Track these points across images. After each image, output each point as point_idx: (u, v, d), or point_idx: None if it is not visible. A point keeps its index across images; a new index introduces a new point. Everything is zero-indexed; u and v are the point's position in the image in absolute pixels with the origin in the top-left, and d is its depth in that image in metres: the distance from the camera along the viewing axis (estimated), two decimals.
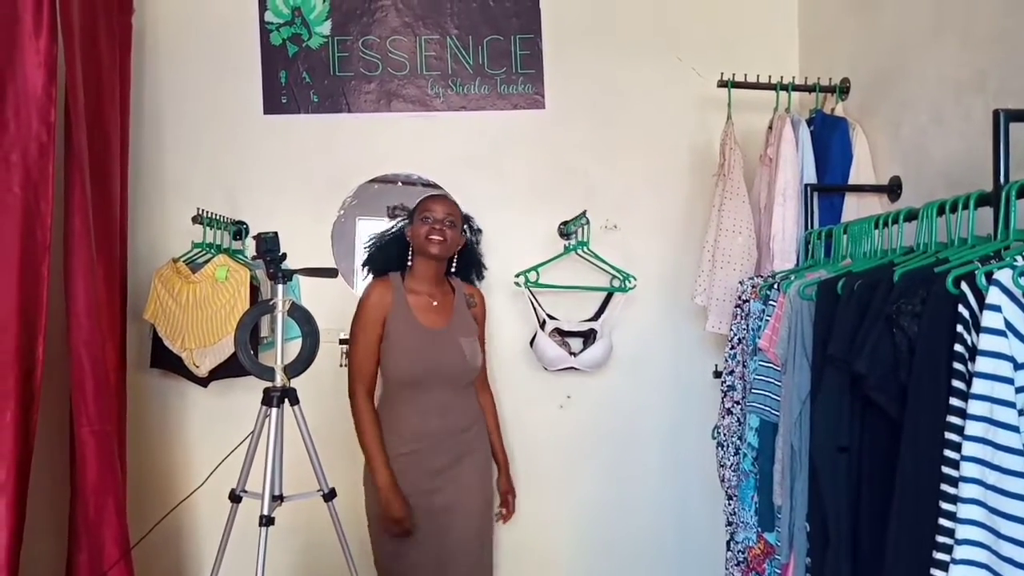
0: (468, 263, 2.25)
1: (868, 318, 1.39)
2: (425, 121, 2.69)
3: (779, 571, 1.82)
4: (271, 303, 1.65)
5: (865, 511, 1.40)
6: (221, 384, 2.46)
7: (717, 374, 2.24)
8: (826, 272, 1.73)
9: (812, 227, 2.11)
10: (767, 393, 1.87)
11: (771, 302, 1.89)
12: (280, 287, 1.61)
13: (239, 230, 2.56)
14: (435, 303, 2.08)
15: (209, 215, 2.42)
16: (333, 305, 2.51)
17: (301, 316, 1.68)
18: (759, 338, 1.90)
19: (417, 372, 2.00)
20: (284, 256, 1.63)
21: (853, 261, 1.76)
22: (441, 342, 2.04)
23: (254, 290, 2.37)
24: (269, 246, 1.60)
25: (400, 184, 2.75)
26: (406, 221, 2.14)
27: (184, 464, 2.52)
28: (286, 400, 1.63)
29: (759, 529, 1.93)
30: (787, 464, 1.72)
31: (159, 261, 2.50)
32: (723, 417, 2.15)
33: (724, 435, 2.14)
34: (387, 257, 2.14)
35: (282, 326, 1.62)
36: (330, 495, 1.68)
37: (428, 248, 2.00)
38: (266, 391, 1.62)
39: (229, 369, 2.34)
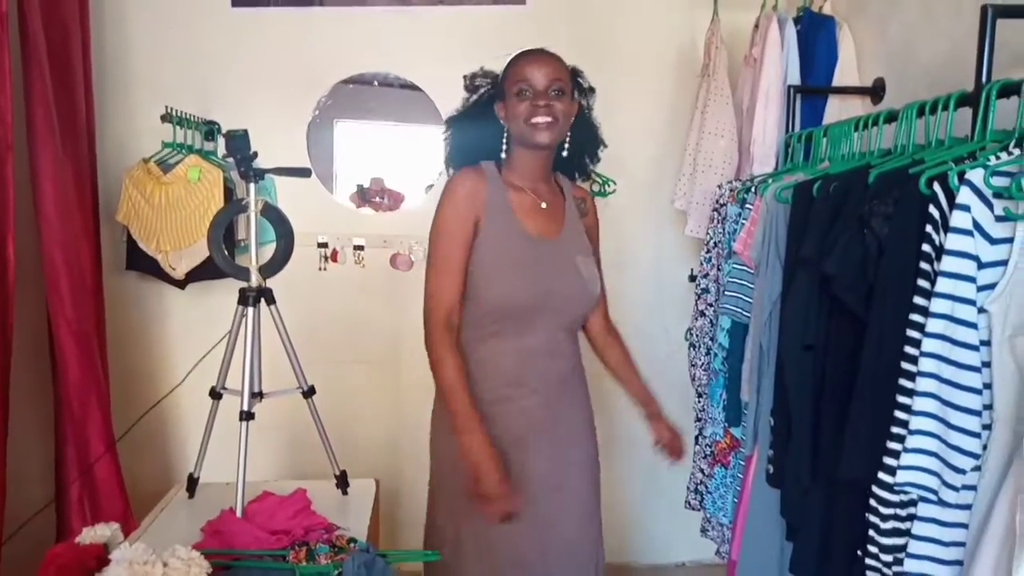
0: (582, 143, 1.59)
1: (841, 220, 1.39)
2: (401, 16, 2.59)
3: (743, 463, 1.91)
4: (243, 203, 1.63)
5: (826, 406, 1.45)
6: (199, 286, 2.46)
7: (692, 278, 2.27)
8: (804, 175, 1.72)
9: (793, 130, 2.09)
10: (740, 295, 1.91)
11: (748, 206, 1.90)
12: (252, 186, 1.58)
13: (211, 130, 2.50)
14: (543, 204, 1.54)
15: (179, 114, 2.35)
16: (310, 208, 2.48)
17: (275, 217, 1.67)
18: (735, 241, 1.92)
19: (521, 299, 1.47)
20: (255, 155, 1.59)
21: (831, 164, 1.76)
22: (553, 258, 1.51)
23: (228, 192, 2.34)
24: (239, 144, 1.56)
25: (376, 85, 2.68)
26: (492, 93, 1.54)
27: (165, 364, 2.55)
28: (262, 300, 1.63)
29: (726, 424, 2.01)
30: (755, 363, 1.77)
31: (129, 161, 2.45)
32: (696, 319, 2.19)
33: (696, 336, 2.18)
34: (475, 148, 1.54)
35: (255, 226, 1.60)
36: (309, 392, 1.71)
37: (533, 136, 1.44)
38: (242, 291, 1.63)
39: (206, 271, 2.33)
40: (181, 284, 2.42)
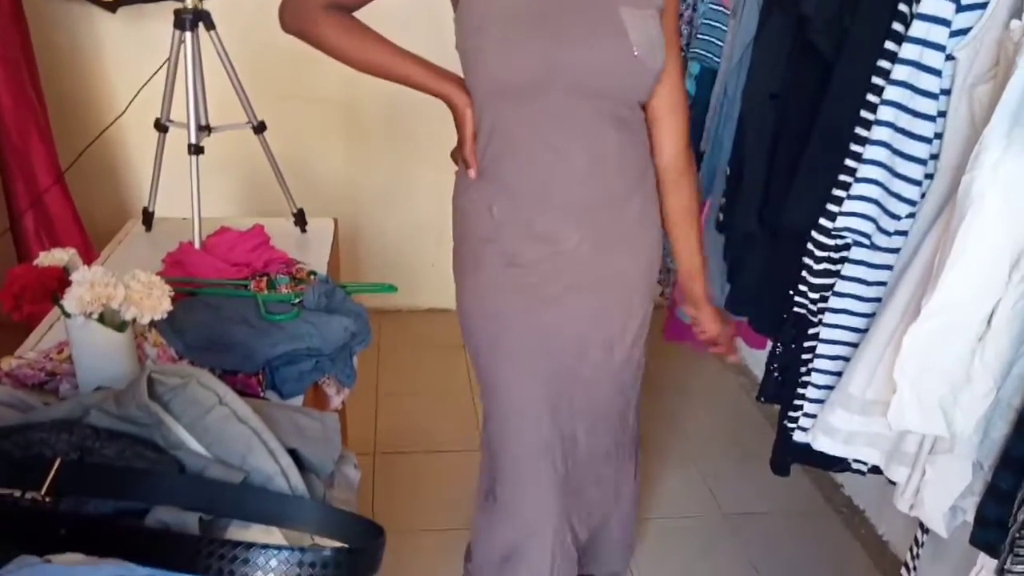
0: None
1: None
2: None
3: None
4: None
5: (781, 156, 1.46)
6: (131, 10, 2.27)
7: None
8: None
9: None
10: (712, 39, 1.83)
11: None
12: None
13: None
14: None
15: None
16: None
17: None
18: None
19: (516, 75, 1.09)
20: None
21: None
22: (576, 9, 1.08)
23: None
24: None
25: None
26: None
27: (104, 94, 2.41)
28: (200, 24, 1.50)
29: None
30: (718, 110, 1.75)
31: None
32: None
33: None
34: None
35: None
36: (259, 128, 1.65)
37: None
38: (177, 13, 1.49)
39: None
40: (111, 7, 2.21)
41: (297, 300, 1.25)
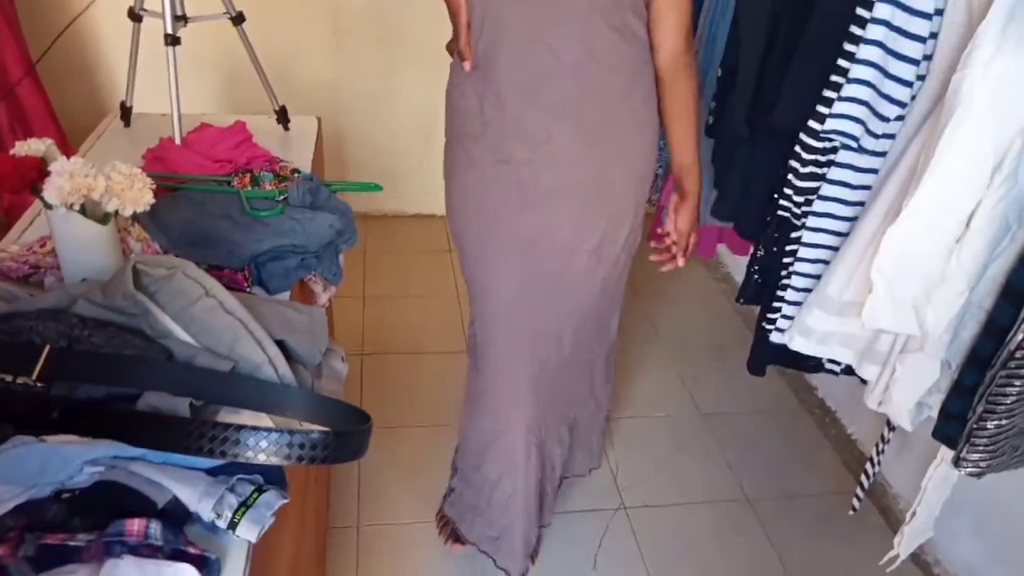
0: None
1: None
2: None
3: None
4: None
5: (774, 58, 1.43)
6: None
7: None
8: None
9: None
10: None
11: None
12: None
13: None
14: None
15: None
16: None
17: None
18: None
19: None
20: None
21: None
22: None
23: None
24: None
25: None
26: None
27: None
28: None
29: None
30: (712, 8, 1.70)
31: None
32: None
33: None
34: None
35: None
36: (238, 19, 1.59)
37: None
38: None
39: None
40: None
41: (281, 197, 1.24)
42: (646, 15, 1.16)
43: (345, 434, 0.80)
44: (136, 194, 0.98)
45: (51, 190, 0.93)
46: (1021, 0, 0.89)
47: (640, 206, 1.33)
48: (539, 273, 1.30)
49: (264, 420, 0.85)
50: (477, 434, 1.51)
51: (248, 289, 1.11)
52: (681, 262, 1.33)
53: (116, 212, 0.98)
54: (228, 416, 0.84)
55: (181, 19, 1.50)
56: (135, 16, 1.54)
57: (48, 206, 0.95)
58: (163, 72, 1.50)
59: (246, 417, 0.85)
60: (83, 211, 0.97)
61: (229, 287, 0.97)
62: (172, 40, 1.45)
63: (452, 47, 1.20)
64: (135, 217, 1.08)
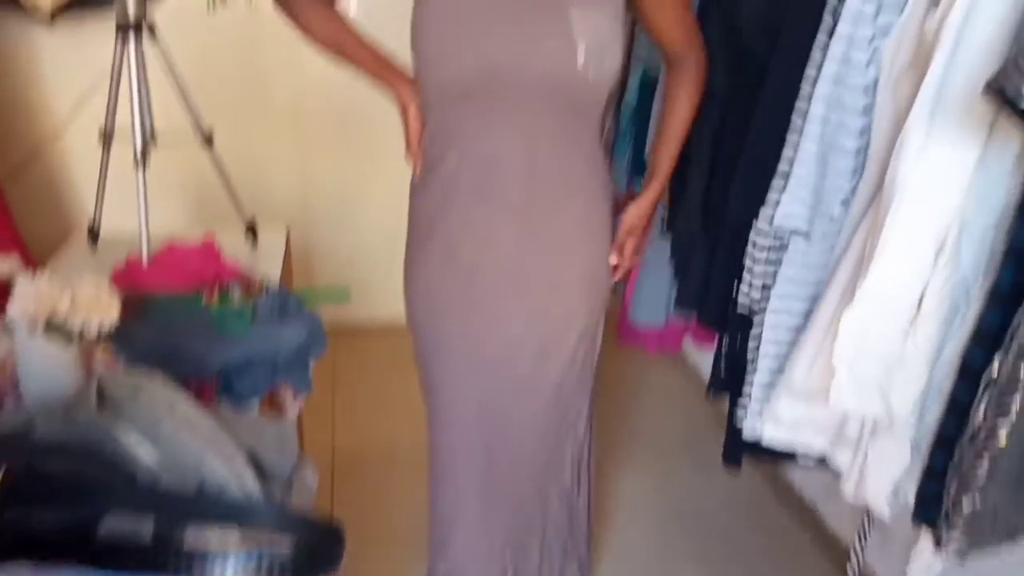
0: None
1: None
2: None
3: None
4: None
5: (721, 157, 1.52)
6: (71, 25, 2.22)
7: None
8: None
9: None
10: (653, 47, 1.88)
11: None
12: None
13: None
14: None
15: None
16: None
17: None
18: None
19: (460, 73, 1.10)
20: None
21: None
22: (521, 10, 1.08)
23: None
24: None
25: None
26: None
27: (44, 106, 2.36)
28: (143, 31, 1.49)
29: (630, 176, 2.09)
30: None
31: None
32: None
33: None
34: None
35: None
36: (208, 139, 1.64)
37: None
38: (119, 22, 1.47)
39: (76, 2, 2.09)
40: (48, 20, 2.17)
41: (250, 310, 1.25)
42: (598, 116, 1.20)
43: (316, 550, 0.78)
44: (103, 310, 0.98)
45: (15, 310, 0.92)
46: (944, 90, 0.96)
47: (595, 308, 1.32)
48: (485, 374, 1.29)
49: (233, 537, 0.82)
50: (433, 537, 1.46)
51: (216, 400, 1.09)
52: (614, 259, 1.30)
53: (82, 332, 0.97)
54: (196, 534, 0.81)
55: (151, 141, 1.54)
56: (106, 139, 1.58)
57: (9, 328, 0.94)
58: (131, 193, 1.53)
59: (214, 535, 0.81)
60: (47, 330, 0.96)
61: (197, 399, 0.96)
62: (142, 161, 1.49)
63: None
64: (100, 337, 1.07)
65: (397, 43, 1.23)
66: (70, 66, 2.32)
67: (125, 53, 1.48)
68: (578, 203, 1.23)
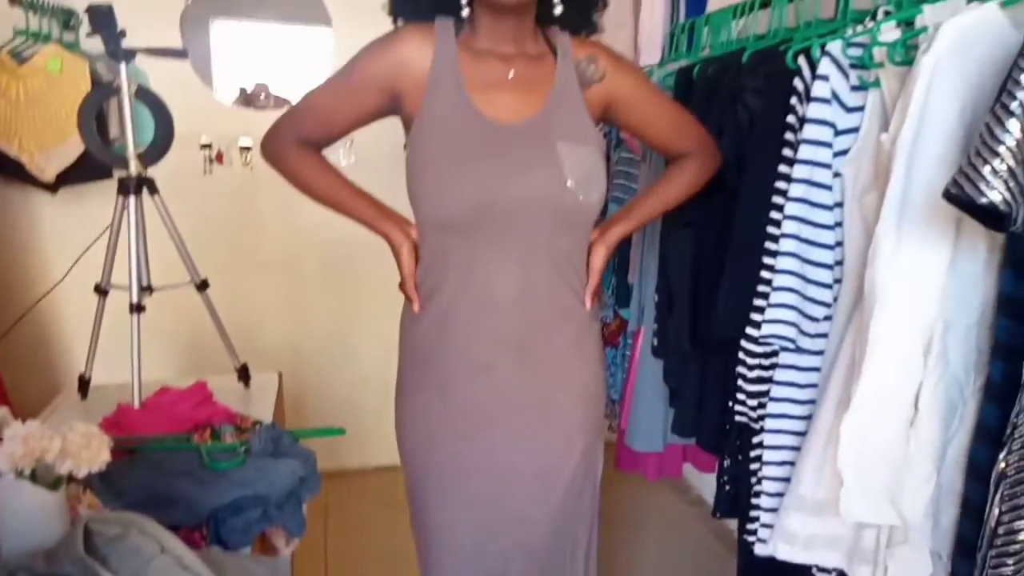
0: None
1: (718, 99, 1.47)
2: None
3: (631, 341, 2.04)
4: (114, 84, 1.52)
5: (703, 278, 1.57)
6: (72, 191, 2.31)
7: None
8: (686, 62, 1.79)
9: (678, 21, 2.15)
10: (627, 183, 1.99)
11: None
12: (122, 66, 1.48)
13: (69, 19, 2.28)
14: (511, 72, 1.17)
15: None
16: (189, 107, 2.34)
17: (151, 101, 1.57)
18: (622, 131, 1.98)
19: (452, 211, 1.14)
20: (123, 33, 1.49)
21: (712, 51, 1.83)
22: (514, 149, 1.13)
23: (96, 86, 2.17)
24: (104, 19, 1.45)
25: None
26: None
27: (41, 268, 2.40)
28: (144, 189, 1.56)
29: (615, 307, 2.13)
30: (641, 244, 1.87)
31: None
32: None
33: None
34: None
35: (130, 109, 1.51)
36: (202, 285, 1.68)
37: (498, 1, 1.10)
38: (121, 180, 1.55)
39: (80, 172, 2.20)
40: (51, 188, 2.26)
41: (243, 448, 1.22)
42: (587, 240, 1.23)
43: None
44: (92, 453, 0.96)
45: (2, 456, 0.90)
46: (906, 200, 1.01)
47: (593, 430, 1.30)
48: (483, 503, 1.25)
49: None
50: None
51: (206, 545, 1.05)
52: (588, 302, 1.26)
53: (69, 476, 0.95)
54: None
55: (147, 289, 1.57)
56: (102, 291, 1.61)
57: None
58: (122, 343, 1.54)
59: None
60: (33, 476, 0.93)
61: (187, 544, 0.92)
62: (137, 308, 1.51)
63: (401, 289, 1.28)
64: (87, 483, 1.04)
65: (386, 187, 1.30)
66: (68, 227, 2.39)
67: (126, 210, 1.55)
68: (571, 329, 1.24)
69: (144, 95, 1.56)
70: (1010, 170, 0.81)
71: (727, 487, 1.48)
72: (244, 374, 1.73)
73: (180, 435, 1.31)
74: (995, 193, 0.82)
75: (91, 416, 1.49)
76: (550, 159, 1.12)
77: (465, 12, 1.13)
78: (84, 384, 1.65)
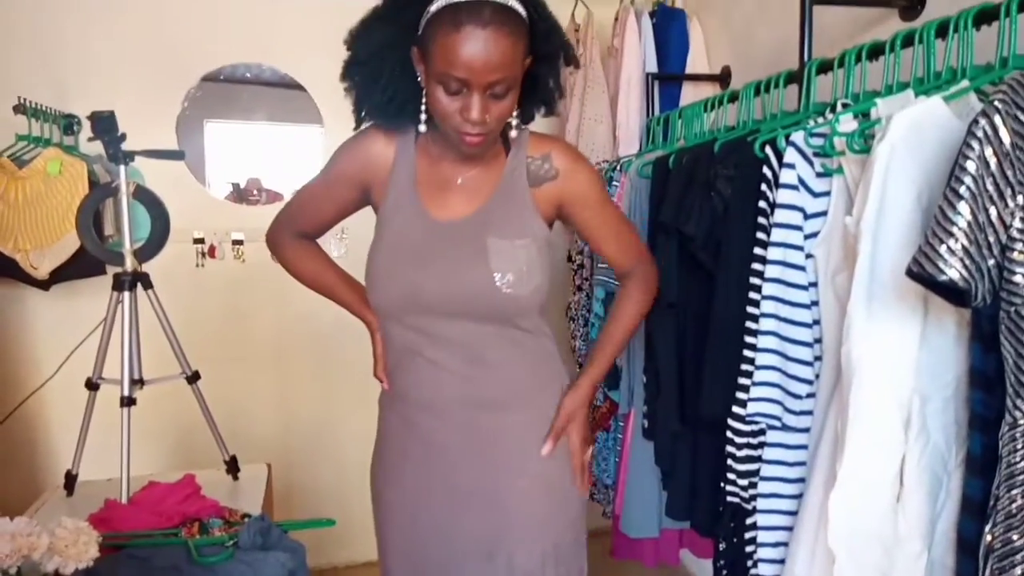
0: (533, 87, 1.18)
1: (693, 186, 1.54)
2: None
3: (622, 424, 2.05)
4: (113, 185, 1.58)
5: (688, 357, 1.60)
6: (65, 287, 2.34)
7: (569, 258, 2.40)
8: (663, 153, 1.88)
9: (653, 115, 2.26)
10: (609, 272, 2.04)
11: (614, 183, 2.04)
12: (122, 168, 1.55)
13: (70, 124, 2.38)
14: (460, 179, 1.23)
15: (34, 105, 2.23)
16: (184, 203, 2.41)
17: (148, 199, 1.63)
18: None
19: (391, 298, 1.22)
20: (123, 136, 1.56)
21: (686, 142, 1.92)
22: (446, 244, 1.19)
23: (93, 186, 2.24)
24: (106, 125, 1.52)
25: (250, 85, 2.64)
26: (413, 46, 1.12)
27: (32, 364, 2.40)
28: (139, 285, 1.59)
29: (605, 389, 2.14)
30: None
31: None
32: (573, 294, 2.32)
33: (575, 310, 2.31)
34: (389, 102, 1.17)
35: (127, 208, 1.56)
36: (193, 377, 1.69)
37: (459, 143, 1.13)
38: (116, 276, 1.58)
39: (73, 269, 2.23)
40: (44, 285, 2.29)
41: (232, 541, 1.21)
42: (531, 324, 1.26)
43: None
44: (80, 550, 0.95)
45: None
46: (874, 279, 1.06)
47: (563, 526, 1.29)
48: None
49: None
50: None
51: None
52: (580, 488, 1.32)
53: (56, 573, 0.94)
54: None
55: (138, 382, 1.58)
56: (93, 385, 1.62)
57: None
58: (109, 438, 1.54)
59: None
60: (19, 575, 0.92)
61: None
62: (128, 401, 1.52)
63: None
64: None
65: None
66: (59, 324, 2.42)
67: (120, 304, 1.57)
68: (527, 412, 1.28)
69: (142, 194, 1.62)
70: (964, 249, 0.86)
71: (724, 571, 1.46)
72: (233, 466, 1.72)
73: (168, 530, 1.29)
74: (953, 271, 0.87)
75: (77, 512, 1.46)
76: (477, 254, 1.17)
77: (423, 128, 1.17)
78: (71, 480, 1.64)
